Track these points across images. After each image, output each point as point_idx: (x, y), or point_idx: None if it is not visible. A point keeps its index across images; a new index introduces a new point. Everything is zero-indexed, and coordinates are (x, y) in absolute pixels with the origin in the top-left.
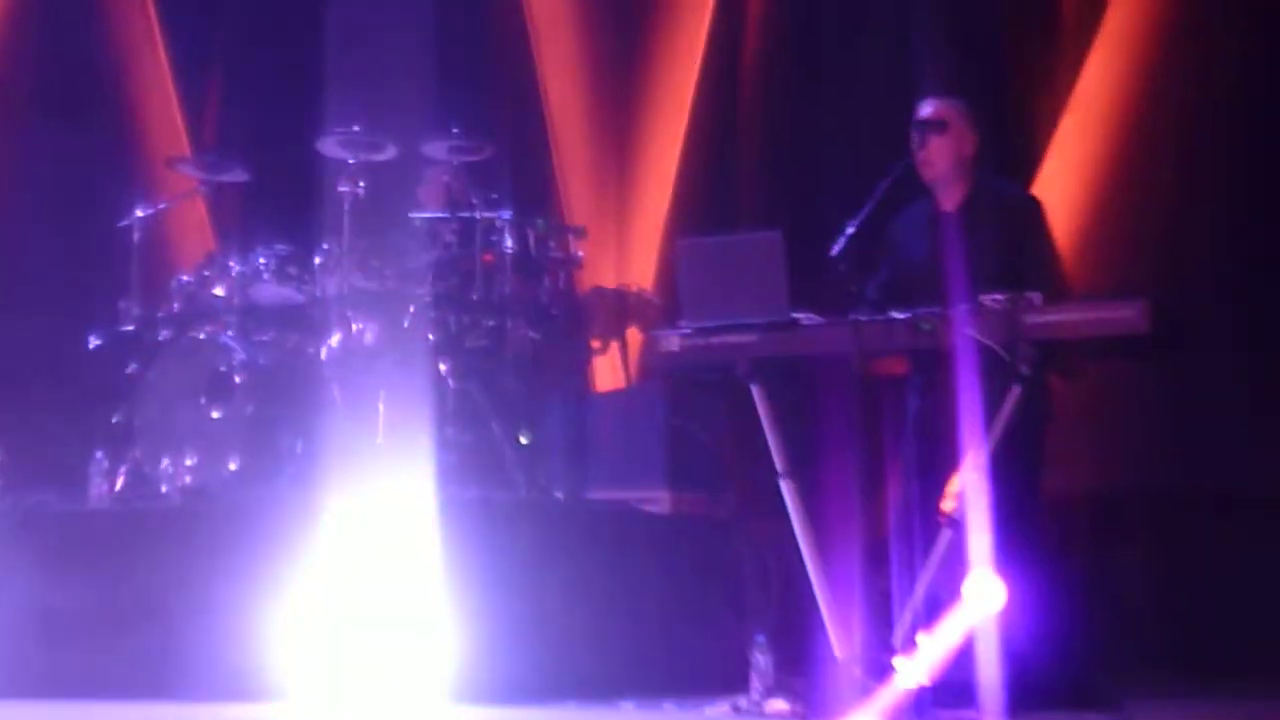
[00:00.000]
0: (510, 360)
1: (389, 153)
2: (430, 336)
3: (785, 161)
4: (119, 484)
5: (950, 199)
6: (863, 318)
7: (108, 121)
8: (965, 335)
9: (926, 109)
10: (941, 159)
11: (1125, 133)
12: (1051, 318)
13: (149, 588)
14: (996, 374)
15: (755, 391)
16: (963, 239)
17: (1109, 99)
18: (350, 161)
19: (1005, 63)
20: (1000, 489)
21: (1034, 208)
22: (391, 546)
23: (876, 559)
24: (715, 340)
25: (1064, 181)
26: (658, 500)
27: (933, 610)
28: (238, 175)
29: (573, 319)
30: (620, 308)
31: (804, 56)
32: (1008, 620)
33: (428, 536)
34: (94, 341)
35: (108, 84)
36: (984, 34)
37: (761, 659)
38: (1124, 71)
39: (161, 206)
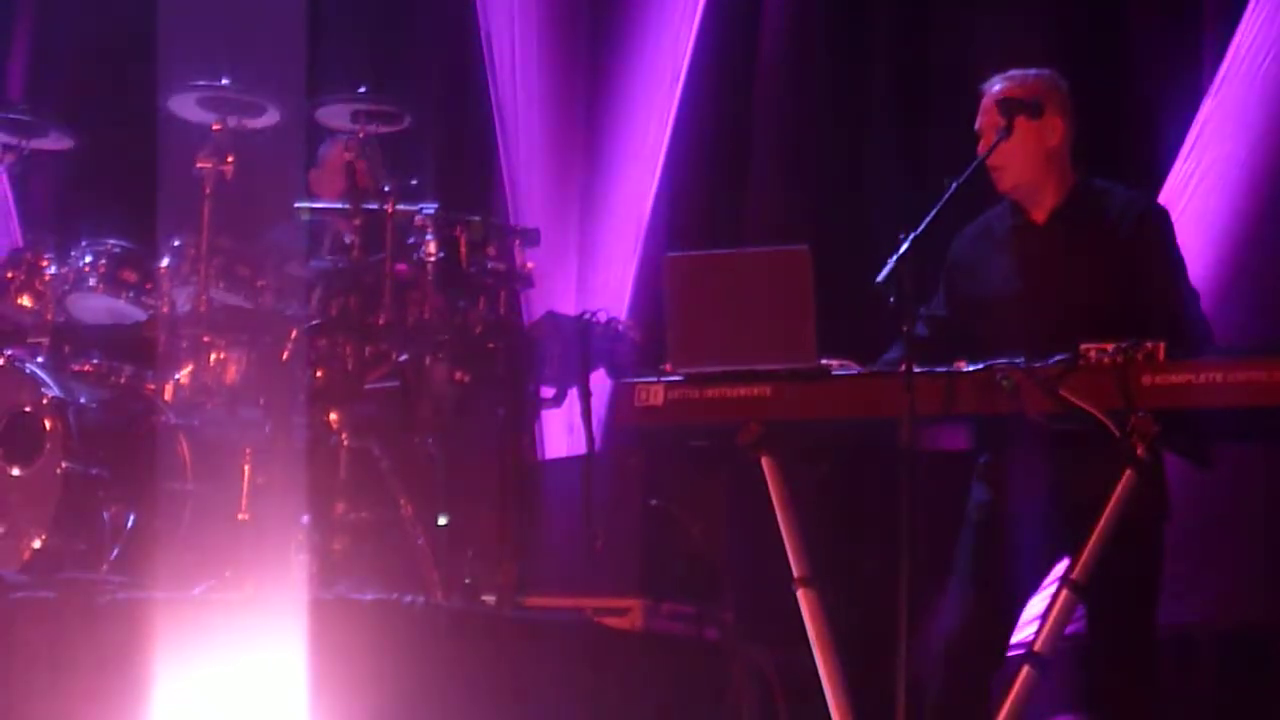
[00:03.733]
0: (427, 410)
1: (269, 117)
2: (318, 374)
3: (816, 166)
4: None
5: (1039, 207)
6: (919, 369)
7: None
8: (1059, 399)
9: (1000, 83)
10: (1017, 159)
11: None
12: (1179, 378)
13: None
14: (1100, 455)
15: (767, 466)
16: (1055, 260)
17: (1266, 78)
18: (215, 128)
19: (1120, 28)
20: (1100, 616)
21: (1158, 220)
22: (252, 667)
23: (922, 699)
24: (713, 393)
25: (1200, 190)
26: (626, 611)
27: None
28: (55, 141)
29: (516, 356)
30: (583, 343)
31: (845, 41)
32: None
33: (302, 655)
34: None
35: None
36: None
37: None
38: None
39: None
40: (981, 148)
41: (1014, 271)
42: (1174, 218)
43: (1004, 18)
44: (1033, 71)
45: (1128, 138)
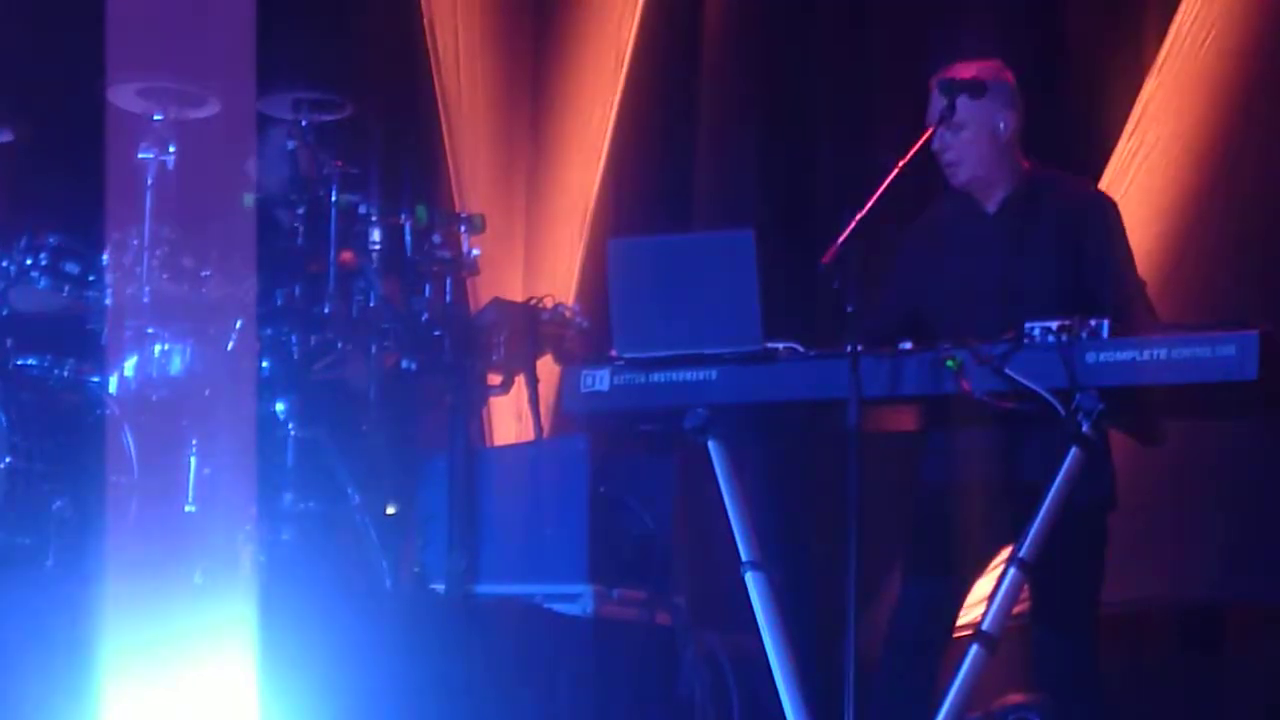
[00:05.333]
0: (375, 399)
1: (210, 107)
2: (263, 364)
3: (761, 147)
4: None
5: (990, 199)
6: (862, 351)
7: None
8: (1005, 377)
9: (958, 69)
10: (971, 155)
11: (1228, 104)
12: (1124, 355)
13: None
14: (1045, 433)
15: (714, 450)
16: (1005, 250)
17: (1207, 58)
18: (156, 118)
19: (1061, 6)
20: (1046, 595)
21: (1104, 208)
22: (199, 661)
23: (872, 680)
24: (659, 377)
25: (1144, 172)
26: (577, 598)
27: None
28: None
29: (463, 344)
30: (529, 329)
31: (789, 24)
32: None
33: (250, 647)
34: None
35: None
36: None
37: None
38: (1227, 19)
39: None
40: (932, 141)
41: (964, 262)
42: (1118, 196)
43: None
44: (983, 62)
45: (1071, 117)
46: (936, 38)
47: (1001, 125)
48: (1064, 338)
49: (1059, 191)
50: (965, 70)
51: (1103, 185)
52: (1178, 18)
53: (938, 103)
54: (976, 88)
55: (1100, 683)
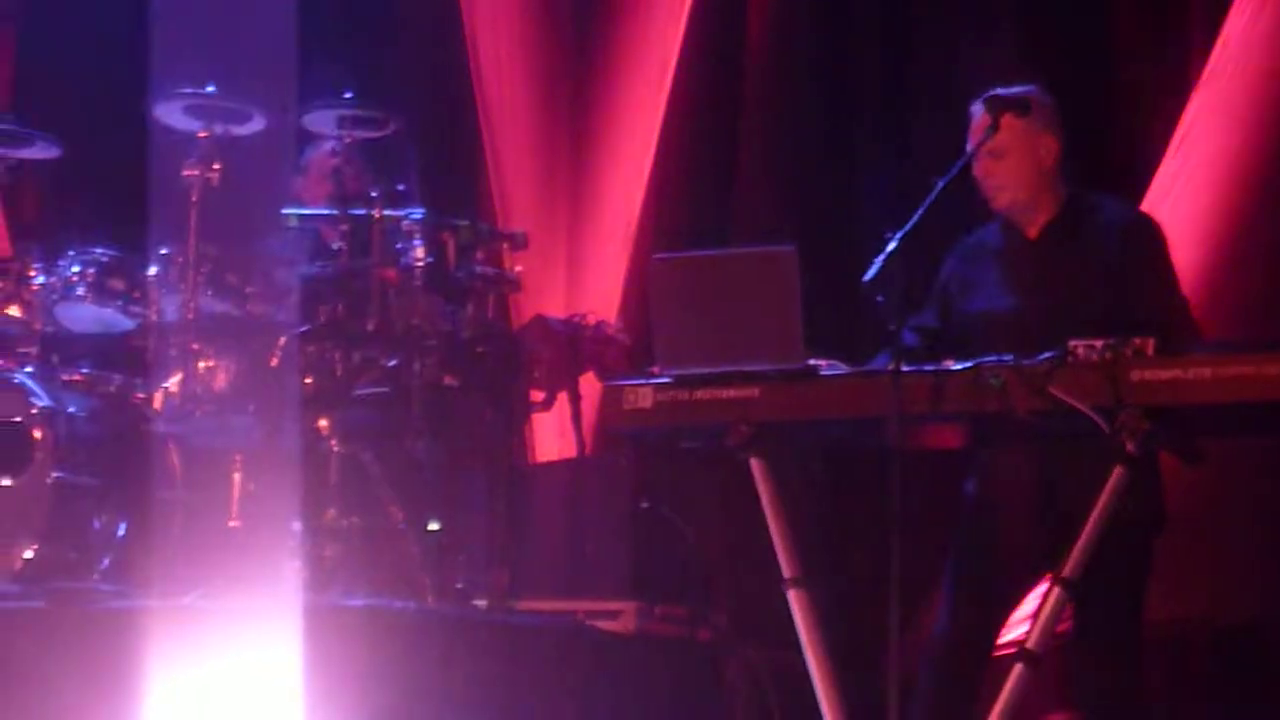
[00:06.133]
0: (417, 416)
1: (255, 124)
2: (307, 381)
3: (805, 165)
4: None
5: (1032, 223)
6: (907, 368)
7: None
8: (1049, 395)
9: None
10: (1013, 179)
11: (1272, 123)
12: (1169, 374)
13: None
14: (1090, 451)
15: (756, 467)
16: (1047, 275)
17: (1250, 77)
18: (201, 135)
19: (1106, 23)
20: (1089, 614)
21: (1147, 230)
22: (245, 675)
23: (914, 698)
24: (702, 394)
25: (1188, 191)
26: (619, 615)
27: None
28: (42, 150)
29: (506, 361)
30: (572, 346)
31: (832, 41)
32: None
33: (295, 661)
34: None
35: None
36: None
37: None
38: (1272, 38)
39: None
40: (975, 166)
41: (1007, 287)
42: (1162, 213)
43: (990, 12)
44: (1023, 88)
45: (1115, 134)
46: (978, 56)
47: (1044, 150)
48: (1109, 356)
49: (1102, 214)
50: (1010, 91)
51: (1145, 205)
52: (1221, 36)
53: (981, 123)
54: (1022, 105)
55: (1143, 702)
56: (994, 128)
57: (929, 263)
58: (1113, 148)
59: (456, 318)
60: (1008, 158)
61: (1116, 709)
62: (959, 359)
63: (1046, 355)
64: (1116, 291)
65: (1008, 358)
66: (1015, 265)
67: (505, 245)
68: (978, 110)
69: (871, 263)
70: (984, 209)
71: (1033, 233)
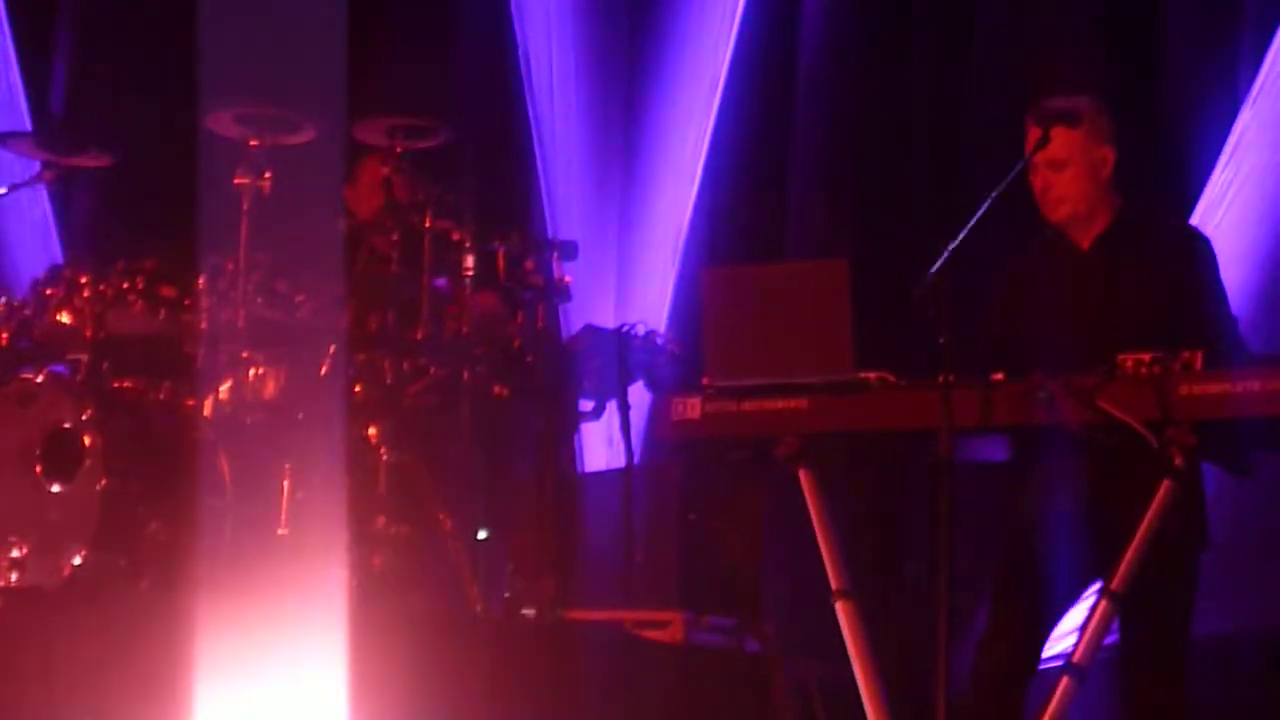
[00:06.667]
0: (466, 424)
1: (306, 133)
2: (356, 388)
3: (855, 175)
4: None
5: (1085, 234)
6: (954, 381)
7: None
8: (1097, 409)
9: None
10: (1073, 192)
11: None
12: (1217, 388)
13: None
14: (1138, 465)
15: (804, 478)
16: (1099, 286)
17: None
18: (253, 144)
19: (1156, 37)
20: (1136, 627)
21: (1201, 248)
22: (293, 679)
23: (961, 710)
24: (751, 405)
25: (1238, 205)
26: (667, 625)
27: None
28: (95, 159)
29: (556, 370)
30: (621, 357)
31: (883, 53)
32: None
33: (343, 669)
34: None
35: None
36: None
37: None
38: None
39: None
40: (1033, 179)
41: (1058, 298)
42: (1211, 229)
43: (1042, 27)
44: (1076, 98)
45: (1165, 149)
46: (1031, 67)
47: (1101, 161)
48: (1157, 370)
49: (1153, 227)
50: (1060, 103)
51: (1196, 218)
52: (1272, 48)
53: (1032, 136)
54: (1071, 117)
55: (1189, 716)
56: (1044, 140)
57: (980, 275)
58: (1162, 161)
59: (508, 328)
60: (1068, 169)
61: None
62: (1009, 370)
63: (1095, 369)
64: (1167, 305)
65: (1056, 371)
66: (1066, 276)
67: (555, 254)
68: (1030, 120)
69: (923, 275)
70: (1035, 219)
71: (1085, 244)
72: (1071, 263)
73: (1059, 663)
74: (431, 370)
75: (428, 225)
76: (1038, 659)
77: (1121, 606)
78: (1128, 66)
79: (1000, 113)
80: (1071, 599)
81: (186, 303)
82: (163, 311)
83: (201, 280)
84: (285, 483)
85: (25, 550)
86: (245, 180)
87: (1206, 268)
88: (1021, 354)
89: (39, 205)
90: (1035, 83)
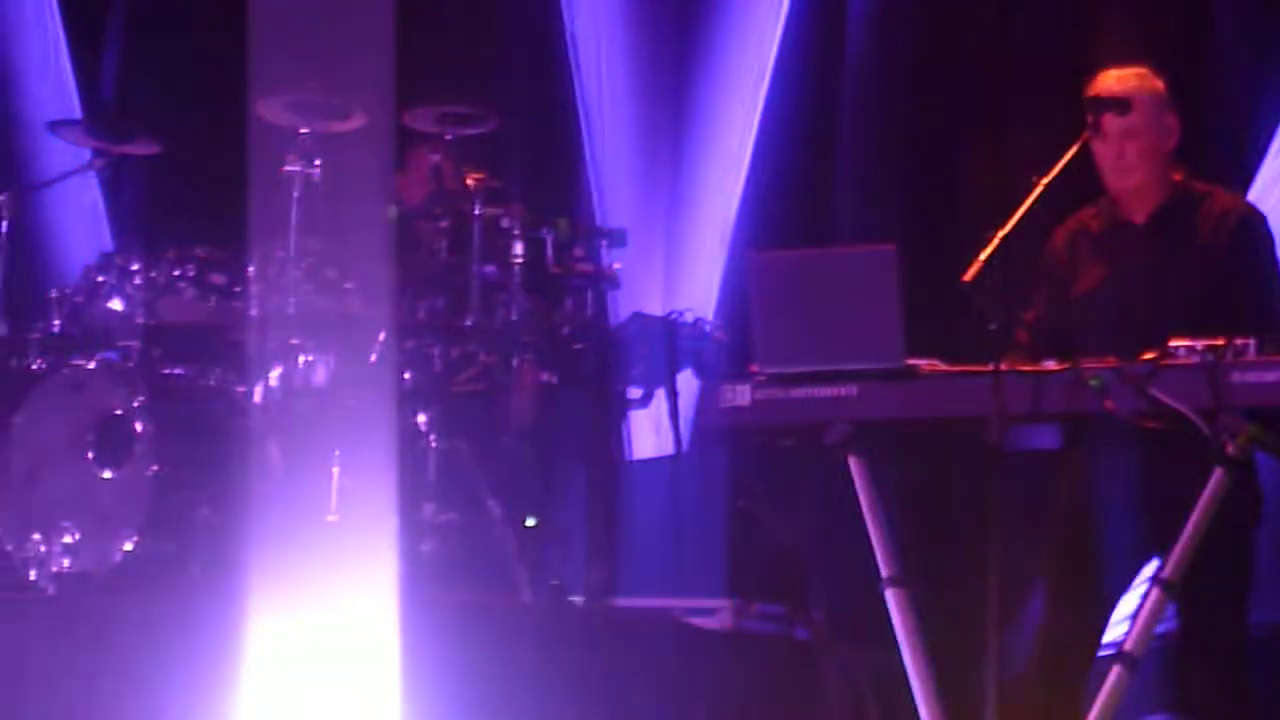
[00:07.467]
0: (515, 411)
1: (355, 121)
2: (406, 376)
3: (903, 161)
4: None
5: (1141, 209)
6: (1005, 368)
7: None
8: (1149, 397)
9: (1104, 82)
10: (1144, 164)
11: None
12: (1271, 375)
13: (9, 709)
14: (1190, 453)
15: (854, 465)
16: (1153, 261)
17: None
18: (302, 131)
19: (1208, 21)
20: (1191, 616)
21: (1257, 226)
22: (343, 666)
23: (1013, 698)
24: (800, 393)
25: None
26: (715, 612)
27: None
28: (145, 147)
29: (604, 357)
30: (669, 344)
31: (931, 38)
32: None
33: (392, 656)
34: None
35: None
36: None
37: None
38: None
39: (40, 186)
40: (1103, 148)
41: (1110, 272)
42: (1268, 208)
43: (1090, 10)
44: (1129, 70)
45: (1218, 127)
46: (1081, 48)
47: (1169, 130)
48: (1209, 357)
49: (1209, 204)
50: (1112, 83)
51: (1251, 196)
52: None
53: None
54: (1121, 105)
55: (1251, 705)
56: (1095, 128)
57: (1030, 261)
58: (1218, 138)
59: (556, 315)
60: (1141, 137)
61: (1224, 711)
62: (1060, 348)
63: (1147, 356)
64: (1221, 282)
65: (1106, 349)
66: (1120, 250)
67: (604, 242)
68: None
69: (972, 261)
70: (1089, 196)
71: (1140, 218)
72: (1125, 237)
73: (1111, 651)
74: (481, 357)
75: (477, 212)
76: (1095, 648)
77: (1175, 595)
78: (1181, 44)
79: (1050, 94)
80: (1125, 587)
81: (237, 290)
82: (213, 298)
83: (252, 267)
84: (334, 469)
85: (77, 536)
86: (295, 167)
87: (1261, 245)
88: (1075, 330)
89: (90, 193)
90: (1084, 62)
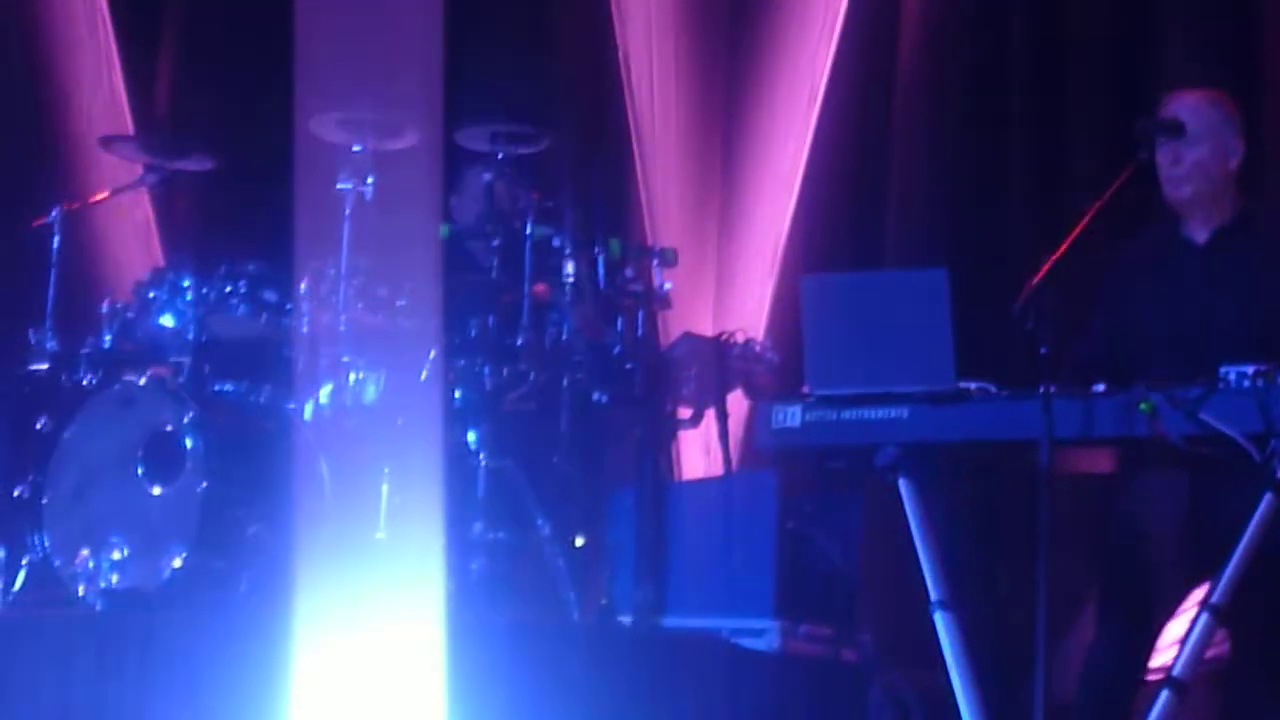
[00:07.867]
0: (565, 431)
1: (408, 139)
2: (456, 394)
3: (956, 184)
4: (18, 583)
5: (1202, 227)
6: (1055, 392)
7: (19, 87)
8: (1199, 422)
9: (1169, 106)
10: (1198, 177)
11: None
12: None
13: None
14: (1240, 478)
15: (904, 488)
16: (1211, 282)
17: None
18: (355, 149)
19: (1261, 42)
20: (1246, 642)
21: None
22: (390, 684)
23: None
24: (850, 415)
25: None
26: (763, 633)
27: None
28: (197, 163)
29: (654, 377)
30: (720, 364)
31: (984, 63)
32: None
33: (440, 675)
34: None
35: (21, 37)
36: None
37: None
38: None
39: (92, 202)
40: (1162, 154)
41: (1169, 292)
42: None
43: (1143, 31)
44: (1193, 93)
45: (1269, 148)
46: (1135, 73)
47: (1231, 149)
48: (1260, 382)
49: (1269, 227)
50: (1173, 106)
51: None
52: None
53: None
54: (1173, 128)
55: None
56: (1147, 151)
57: (1082, 286)
58: (1269, 159)
59: (607, 335)
60: (1200, 145)
61: None
62: (1116, 370)
63: (1197, 381)
64: (1276, 306)
65: (1158, 371)
66: (1180, 272)
67: (655, 262)
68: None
69: (1023, 285)
70: (1151, 216)
71: (1202, 238)
72: (1185, 257)
73: (1160, 676)
74: (531, 376)
75: (528, 232)
76: (1144, 667)
77: (1224, 620)
78: (1232, 65)
79: (1102, 118)
80: (1173, 611)
81: (288, 306)
82: (264, 315)
83: (303, 284)
84: (384, 487)
85: (126, 552)
86: (347, 184)
87: None
88: (1130, 351)
89: (141, 208)
90: (1138, 86)
